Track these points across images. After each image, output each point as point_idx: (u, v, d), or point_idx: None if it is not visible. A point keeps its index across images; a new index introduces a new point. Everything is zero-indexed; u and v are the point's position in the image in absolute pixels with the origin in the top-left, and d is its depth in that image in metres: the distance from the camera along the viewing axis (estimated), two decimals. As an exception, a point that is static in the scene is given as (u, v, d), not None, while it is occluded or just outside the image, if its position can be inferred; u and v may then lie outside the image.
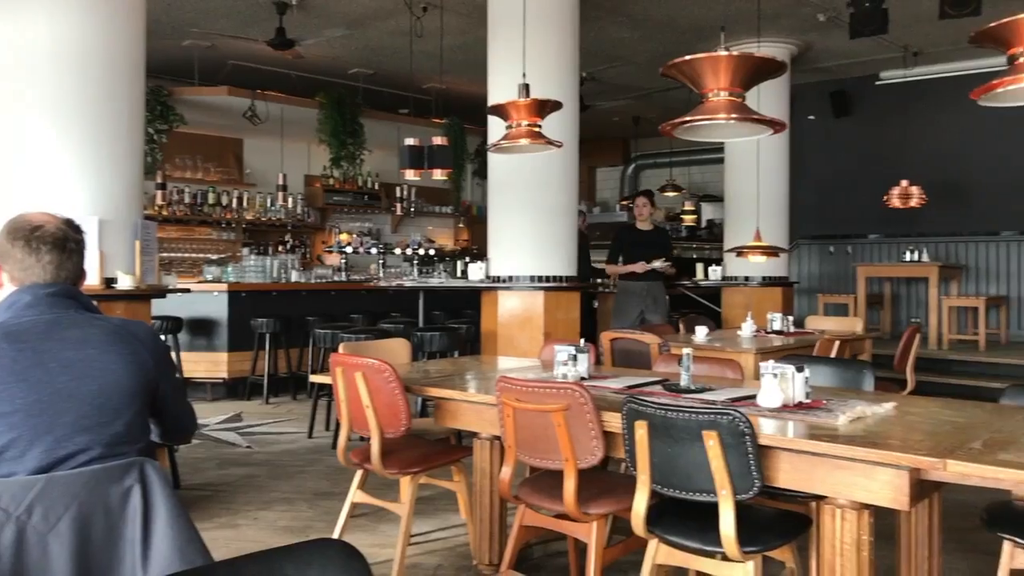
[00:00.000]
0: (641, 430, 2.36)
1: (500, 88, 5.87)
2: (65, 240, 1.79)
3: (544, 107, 3.68)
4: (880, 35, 6.03)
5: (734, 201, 8.37)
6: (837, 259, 9.57)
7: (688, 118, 2.92)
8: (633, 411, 2.40)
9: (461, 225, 12.38)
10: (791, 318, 5.62)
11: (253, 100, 8.52)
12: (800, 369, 2.63)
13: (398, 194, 11.02)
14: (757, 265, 7.72)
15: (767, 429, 2.29)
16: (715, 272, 8.38)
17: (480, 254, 11.80)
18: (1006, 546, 2.31)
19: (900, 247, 8.92)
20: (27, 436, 1.58)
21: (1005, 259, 8.65)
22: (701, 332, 5.01)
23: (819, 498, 2.57)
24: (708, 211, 11.93)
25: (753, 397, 2.71)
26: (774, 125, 2.93)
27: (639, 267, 6.59)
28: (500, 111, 3.72)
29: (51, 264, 1.75)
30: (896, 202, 7.63)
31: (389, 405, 3.05)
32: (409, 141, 6.42)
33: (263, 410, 6.92)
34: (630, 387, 2.98)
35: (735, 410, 2.22)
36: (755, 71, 2.93)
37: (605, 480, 2.84)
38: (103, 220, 3.84)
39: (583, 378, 3.12)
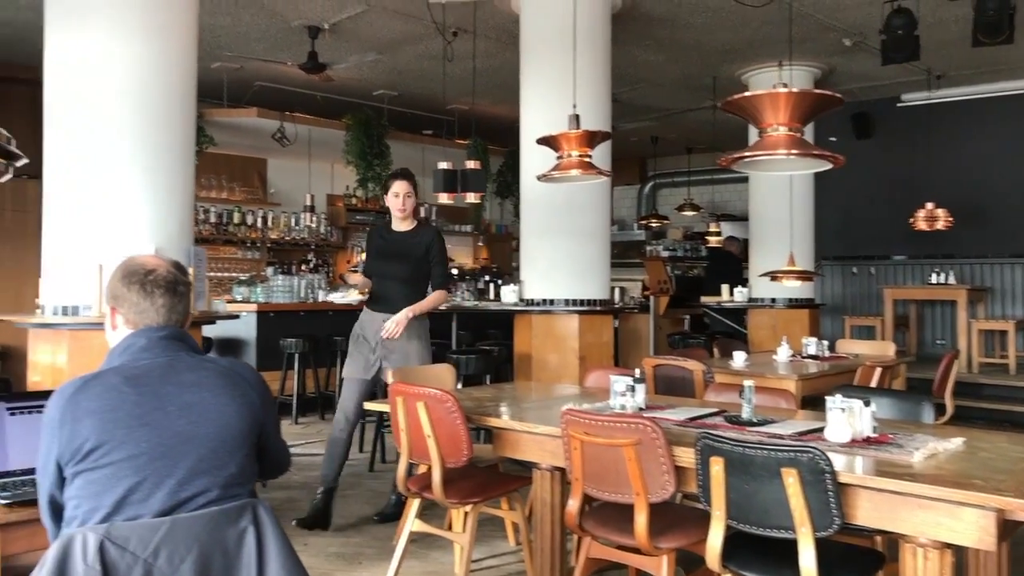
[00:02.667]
0: (717, 466, 2.39)
1: (533, 112, 5.94)
2: (176, 283, 1.83)
3: (594, 138, 3.73)
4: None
5: (760, 222, 8.40)
6: (860, 280, 9.59)
7: (748, 153, 2.96)
8: (708, 447, 2.43)
9: (480, 243, 12.44)
10: (826, 343, 5.64)
11: (282, 122, 8.60)
12: (867, 403, 2.66)
13: (421, 213, 11.08)
14: (783, 287, 7.74)
15: (841, 465, 2.31)
16: (740, 293, 8.40)
17: (500, 272, 11.89)
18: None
19: (924, 268, 8.94)
20: (152, 479, 1.61)
21: (1030, 281, 8.67)
22: (739, 358, 5.03)
23: (885, 532, 2.59)
24: (727, 230, 11.97)
25: (819, 431, 2.73)
26: (834, 160, 2.97)
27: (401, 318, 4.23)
28: (551, 142, 3.76)
29: (164, 307, 1.79)
30: (922, 224, 7.66)
31: (451, 435, 3.08)
32: (442, 165, 6.47)
33: (294, 431, 6.95)
34: (692, 419, 3.00)
35: (814, 448, 2.24)
36: (814, 106, 2.98)
37: (673, 513, 2.86)
38: (159, 248, 3.88)
39: (641, 408, 3.15)
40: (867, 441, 2.59)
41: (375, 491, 4.93)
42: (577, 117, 3.81)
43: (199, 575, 1.59)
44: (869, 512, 2.25)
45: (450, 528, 3.64)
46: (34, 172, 4.14)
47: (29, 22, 3.99)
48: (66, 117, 3.92)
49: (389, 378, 3.64)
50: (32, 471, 1.74)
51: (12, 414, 2.12)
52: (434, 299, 4.39)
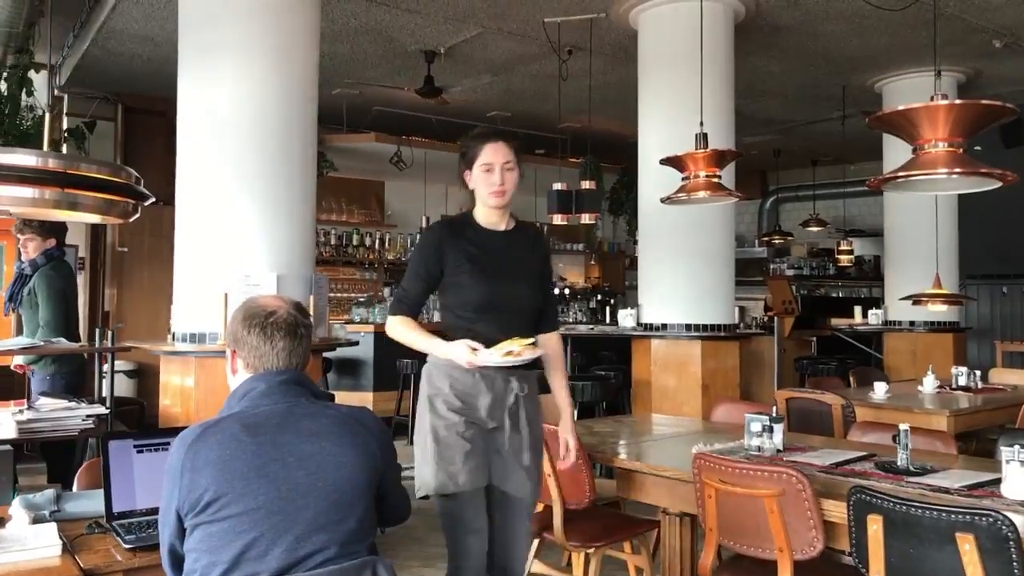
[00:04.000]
0: (875, 525, 2.13)
1: (651, 129, 5.74)
2: (297, 326, 1.77)
3: (723, 157, 3.52)
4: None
5: (896, 237, 7.83)
6: (1013, 300, 8.79)
7: (903, 173, 2.68)
8: (863, 503, 2.17)
9: (592, 262, 12.26)
10: (978, 372, 5.14)
11: (399, 146, 8.74)
12: (1051, 455, 2.33)
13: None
14: (923, 310, 7.17)
15: (1025, 528, 2.01)
16: (875, 315, 7.85)
17: (612, 292, 11.66)
18: None
19: (1088, 288, 8.10)
20: (269, 535, 1.54)
21: None
22: (880, 389, 4.64)
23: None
24: (858, 247, 11.30)
25: (992, 483, 2.42)
26: (1003, 178, 2.65)
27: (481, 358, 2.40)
28: (676, 163, 3.57)
29: (284, 351, 1.74)
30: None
31: (573, 476, 2.93)
32: (557, 186, 6.37)
33: (408, 451, 6.94)
34: (838, 464, 2.73)
35: (995, 512, 1.96)
36: (979, 119, 2.67)
37: (821, 571, 2.59)
38: (280, 275, 3.94)
39: (779, 451, 2.90)
40: (1053, 500, 2.26)
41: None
42: (705, 136, 3.60)
43: (317, 638, 1.51)
44: None
45: (570, 566, 3.47)
46: (170, 199, 4.30)
47: (164, 56, 4.17)
48: (194, 149, 4.05)
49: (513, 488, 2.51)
50: (156, 511, 1.71)
51: (139, 452, 2.12)
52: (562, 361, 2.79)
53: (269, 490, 1.57)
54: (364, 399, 7.39)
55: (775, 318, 9.01)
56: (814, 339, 9.25)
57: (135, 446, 2.12)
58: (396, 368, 7.32)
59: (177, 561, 1.63)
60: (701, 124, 3.68)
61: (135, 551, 1.85)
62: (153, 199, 2.07)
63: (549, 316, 2.69)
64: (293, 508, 1.57)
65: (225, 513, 1.55)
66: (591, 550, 3.03)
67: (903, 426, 2.69)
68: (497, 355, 2.36)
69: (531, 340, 2.45)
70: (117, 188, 1.88)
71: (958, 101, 2.60)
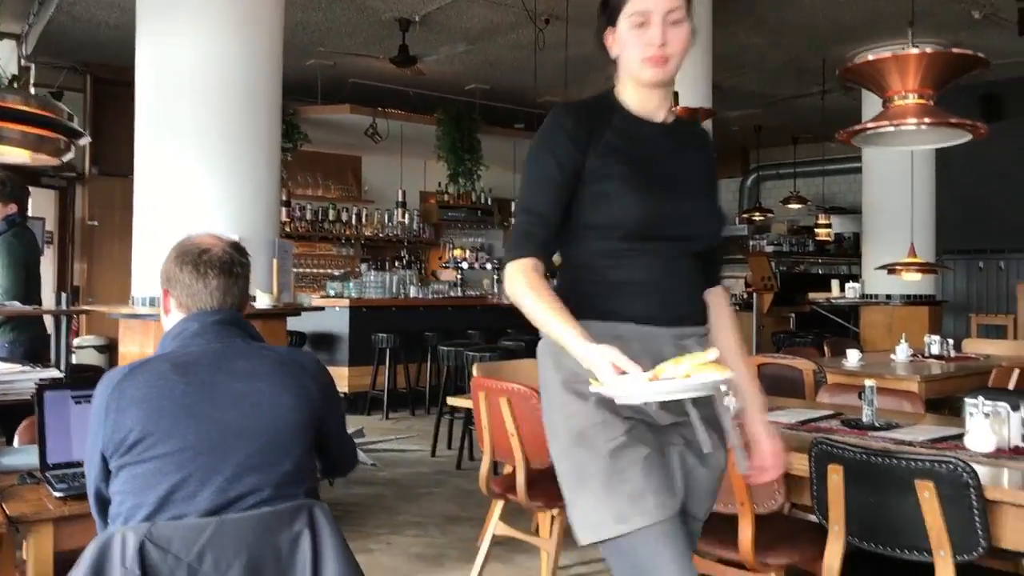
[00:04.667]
0: (836, 475, 2.09)
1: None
2: (232, 264, 1.69)
3: (694, 116, 3.45)
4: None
5: (875, 212, 7.82)
6: (988, 275, 8.82)
7: (872, 124, 2.63)
8: (824, 453, 2.13)
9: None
10: (951, 341, 5.13)
11: (375, 118, 8.62)
12: (1016, 407, 2.30)
13: (513, 209, 10.94)
14: (900, 282, 7.17)
15: (987, 479, 1.97)
16: (852, 289, 7.85)
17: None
18: None
19: (1063, 262, 8.13)
20: (198, 476, 1.48)
21: None
22: (853, 356, 4.62)
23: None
24: (836, 225, 11.31)
25: (956, 438, 2.39)
26: (974, 129, 2.60)
27: (628, 389, 1.39)
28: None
29: (218, 290, 1.66)
30: (1061, 213, 6.93)
31: (536, 434, 2.87)
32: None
33: (384, 426, 6.91)
34: (804, 423, 2.70)
35: (955, 458, 1.92)
36: (950, 69, 2.62)
37: (782, 526, 2.56)
38: (242, 239, 3.81)
39: (745, 409, 2.85)
40: (1016, 451, 2.24)
41: (462, 489, 4.78)
42: (676, 94, 3.53)
43: (248, 582, 1.44)
44: (1020, 534, 1.91)
45: (537, 532, 3.43)
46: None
47: (131, 23, 4.04)
48: (152, 113, 3.94)
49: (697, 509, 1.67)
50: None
51: (78, 403, 2.04)
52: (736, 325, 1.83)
53: (199, 430, 1.50)
54: (339, 374, 7.30)
55: (754, 294, 9.01)
56: (793, 315, 9.27)
57: (73, 397, 2.04)
58: (371, 343, 7.25)
59: (103, 505, 1.56)
60: (676, 94, 3.60)
61: (66, 500, 1.78)
62: (88, 137, 1.98)
63: (718, 262, 1.82)
64: (224, 449, 1.50)
65: (151, 453, 1.48)
66: (555, 511, 2.99)
67: (868, 383, 2.66)
68: (666, 387, 1.34)
69: (710, 355, 1.37)
70: (47, 123, 1.79)
71: (928, 49, 2.55)
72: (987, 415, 2.27)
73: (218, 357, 1.59)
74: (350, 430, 1.84)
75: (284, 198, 9.01)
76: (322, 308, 5.12)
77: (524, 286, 1.52)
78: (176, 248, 1.71)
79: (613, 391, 1.37)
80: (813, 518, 2.30)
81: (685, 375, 1.33)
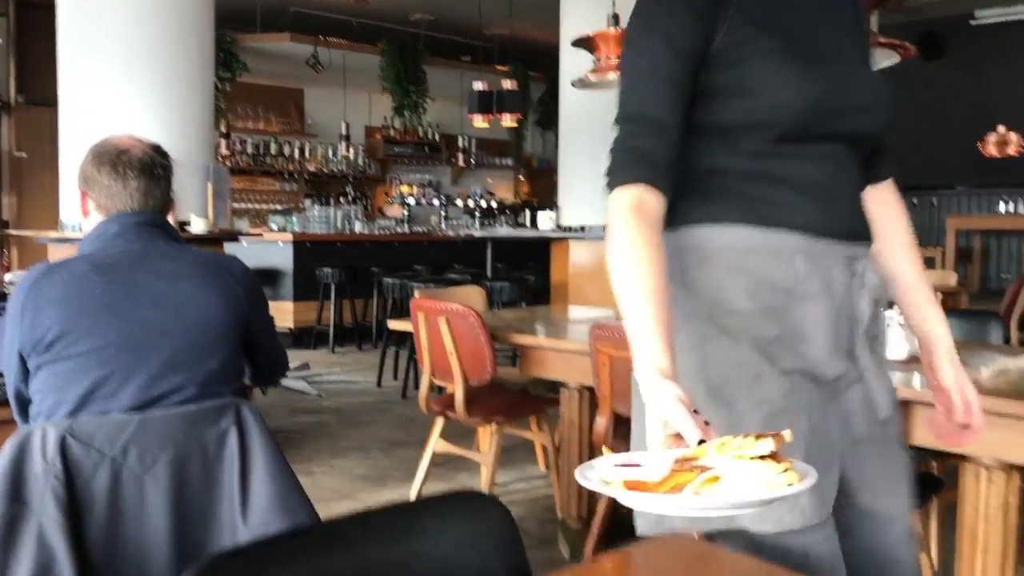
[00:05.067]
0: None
1: (572, 18, 5.58)
2: (153, 165, 1.66)
3: None
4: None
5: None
6: (921, 211, 9.10)
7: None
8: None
9: (521, 177, 12.16)
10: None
11: (316, 47, 8.38)
12: (928, 318, 2.40)
13: (460, 145, 10.84)
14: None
15: (898, 382, 2.08)
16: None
17: (542, 207, 11.62)
18: None
19: (992, 198, 8.41)
20: (120, 373, 1.47)
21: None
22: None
23: (944, 455, 2.38)
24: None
25: (872, 348, 2.49)
26: (903, 49, 2.65)
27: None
28: (587, 43, 3.48)
29: (139, 191, 1.63)
30: (992, 150, 7.17)
31: (474, 353, 2.92)
32: (478, 86, 6.21)
33: (330, 359, 6.91)
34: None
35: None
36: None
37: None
38: (175, 162, 3.74)
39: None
40: (927, 358, 2.34)
41: (406, 416, 4.84)
42: (616, 16, 3.51)
43: (174, 477, 1.46)
44: (928, 433, 2.02)
45: (477, 451, 3.51)
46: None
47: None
48: (74, 31, 3.78)
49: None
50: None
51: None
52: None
53: (120, 328, 1.49)
54: (284, 308, 7.25)
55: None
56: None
57: (-7, 308, 1.99)
58: (316, 278, 7.18)
59: (23, 405, 1.54)
60: (613, 3, 3.58)
61: (-13, 406, 1.76)
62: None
63: (885, 149, 1.31)
64: (146, 346, 1.49)
65: (71, 351, 1.46)
66: (493, 427, 3.05)
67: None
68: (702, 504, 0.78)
69: (763, 446, 0.79)
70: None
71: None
72: (902, 325, 2.37)
73: (140, 257, 1.57)
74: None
75: (224, 131, 8.77)
76: (260, 235, 5.07)
77: (624, 239, 1.05)
78: (93, 149, 1.67)
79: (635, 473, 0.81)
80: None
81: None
